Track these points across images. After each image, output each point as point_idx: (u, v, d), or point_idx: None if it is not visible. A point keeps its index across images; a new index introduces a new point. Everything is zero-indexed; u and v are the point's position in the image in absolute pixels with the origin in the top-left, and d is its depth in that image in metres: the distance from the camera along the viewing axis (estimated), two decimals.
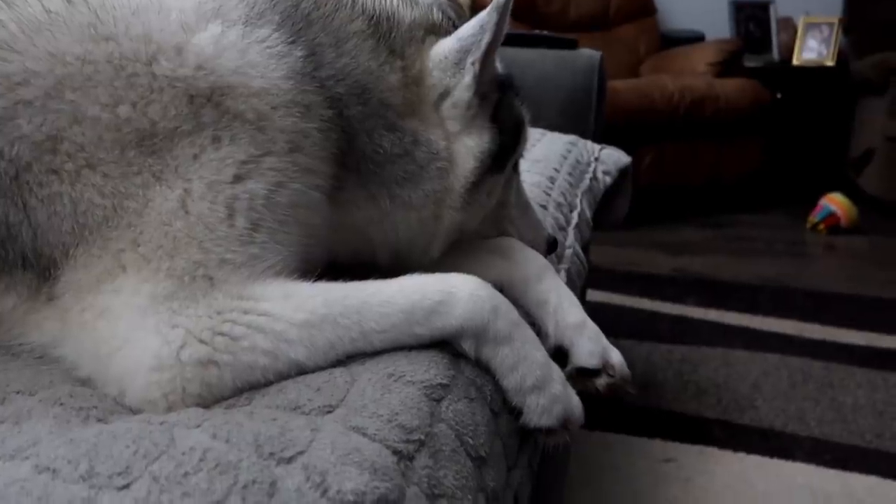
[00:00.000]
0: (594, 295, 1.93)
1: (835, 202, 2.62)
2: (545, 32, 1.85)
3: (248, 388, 0.42)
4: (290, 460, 0.32)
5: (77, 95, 0.44)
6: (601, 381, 0.65)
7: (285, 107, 0.48)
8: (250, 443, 0.32)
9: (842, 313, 1.86)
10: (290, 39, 0.50)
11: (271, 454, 0.32)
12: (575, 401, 0.55)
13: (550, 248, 0.73)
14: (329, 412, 0.38)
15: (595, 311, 1.97)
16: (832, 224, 2.61)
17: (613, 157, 1.33)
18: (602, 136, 1.52)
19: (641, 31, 3.51)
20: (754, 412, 1.38)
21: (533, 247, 0.69)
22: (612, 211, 1.34)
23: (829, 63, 3.39)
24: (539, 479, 0.64)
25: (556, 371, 0.54)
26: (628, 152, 2.86)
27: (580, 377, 0.63)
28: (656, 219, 2.74)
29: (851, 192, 2.79)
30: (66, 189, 0.44)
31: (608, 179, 1.27)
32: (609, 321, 1.77)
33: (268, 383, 0.42)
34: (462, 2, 0.69)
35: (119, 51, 0.45)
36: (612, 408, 1.37)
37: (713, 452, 1.26)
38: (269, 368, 0.42)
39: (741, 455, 1.25)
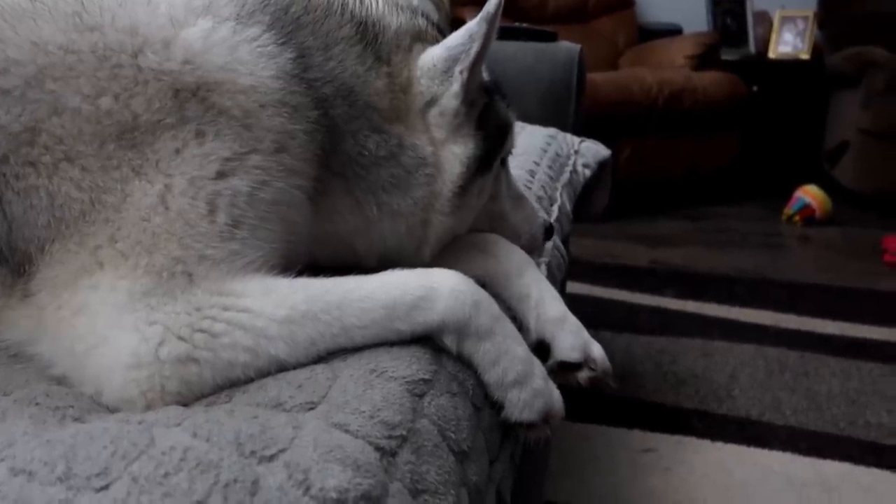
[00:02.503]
0: (574, 287, 1.94)
1: (810, 194, 2.66)
2: (525, 25, 1.85)
3: (229, 385, 0.41)
4: (271, 458, 0.32)
5: (58, 86, 0.43)
6: (583, 375, 0.66)
7: (273, 106, 0.48)
8: (231, 441, 0.32)
9: (817, 303, 1.89)
10: (280, 40, 0.50)
11: (253, 452, 0.32)
12: (556, 395, 0.55)
13: (547, 233, 0.74)
14: (311, 409, 0.38)
15: (575, 304, 1.98)
16: (807, 216, 2.65)
17: (593, 150, 1.33)
18: (582, 129, 1.53)
19: (620, 23, 3.52)
20: (732, 402, 1.40)
21: (530, 236, 0.70)
22: (591, 204, 1.34)
23: (805, 56, 3.43)
24: (521, 471, 0.65)
25: (537, 366, 0.54)
26: (608, 145, 2.87)
27: (562, 371, 0.64)
28: (635, 211, 2.76)
29: (826, 184, 2.83)
30: (42, 182, 0.43)
31: (588, 172, 1.27)
32: (589, 313, 1.78)
33: (248, 380, 0.42)
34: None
35: (104, 41, 0.44)
36: (593, 399, 1.38)
37: (692, 442, 1.27)
38: (250, 365, 0.42)
39: (719, 444, 1.27)
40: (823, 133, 3.27)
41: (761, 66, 3.42)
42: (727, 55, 3.37)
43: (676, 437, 1.28)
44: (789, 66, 3.43)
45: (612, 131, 2.66)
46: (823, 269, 2.20)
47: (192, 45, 0.46)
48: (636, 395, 1.43)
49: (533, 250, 0.72)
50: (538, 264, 0.77)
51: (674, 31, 3.56)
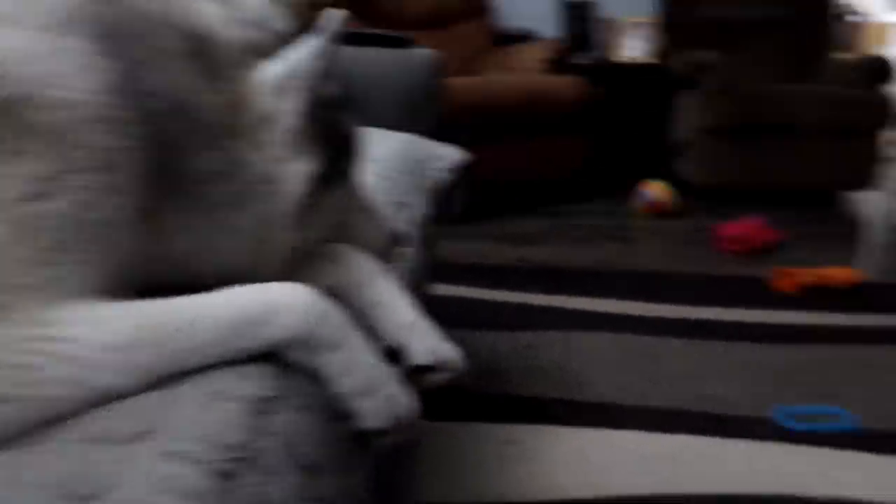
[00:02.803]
0: (443, 289, 1.98)
1: (656, 189, 2.88)
2: (379, 31, 1.87)
3: (50, 422, 0.39)
4: (97, 498, 0.31)
5: None
6: (437, 377, 0.67)
7: (96, 122, 0.45)
8: (50, 485, 0.30)
9: (661, 290, 2.06)
10: (106, 52, 0.47)
11: (74, 496, 0.30)
12: (407, 401, 0.57)
13: (399, 241, 0.75)
14: (143, 439, 0.37)
15: (443, 305, 2.02)
16: (652, 209, 2.86)
17: (450, 155, 1.37)
18: (442, 134, 1.57)
19: (476, 29, 3.63)
20: (590, 388, 1.49)
21: (381, 245, 0.71)
22: (450, 207, 1.39)
23: (648, 60, 3.70)
24: (387, 477, 0.66)
25: (388, 373, 0.55)
26: (470, 149, 2.94)
27: (416, 375, 0.65)
28: (500, 212, 2.87)
29: (670, 179, 3.07)
30: None
31: (447, 176, 1.31)
32: (457, 313, 1.85)
33: (74, 415, 0.40)
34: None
35: None
36: (459, 398, 1.43)
37: (554, 430, 1.34)
38: (75, 399, 0.39)
39: (579, 430, 1.34)
40: (667, 132, 3.54)
41: (610, 70, 3.65)
42: (577, 59, 3.57)
43: (539, 427, 1.35)
44: (635, 69, 3.68)
45: (474, 135, 2.75)
46: (667, 258, 2.39)
47: None
48: (502, 390, 1.48)
49: (385, 258, 0.73)
50: (392, 271, 0.79)
51: (528, 37, 3.72)
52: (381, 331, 0.64)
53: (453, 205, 1.44)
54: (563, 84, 3.02)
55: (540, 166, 2.99)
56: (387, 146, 1.20)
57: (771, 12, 3.57)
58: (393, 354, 0.65)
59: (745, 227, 2.42)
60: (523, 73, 3.12)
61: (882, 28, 6.49)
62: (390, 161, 1.12)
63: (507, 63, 3.35)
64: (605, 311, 1.90)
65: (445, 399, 1.40)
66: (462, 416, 1.37)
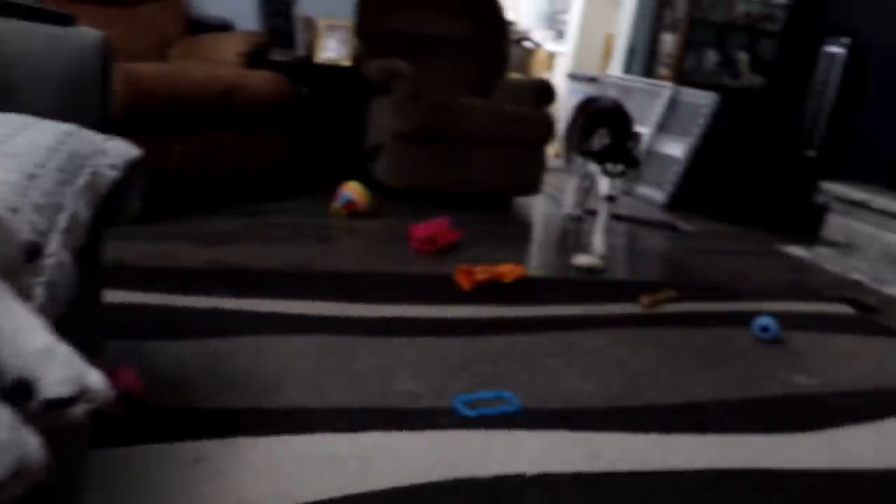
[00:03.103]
0: (119, 296, 1.79)
1: (352, 189, 2.95)
2: (35, 3, 1.61)
3: None
4: None
5: None
6: (78, 409, 0.58)
7: None
8: None
9: (359, 289, 2.11)
10: None
11: None
12: (31, 443, 0.48)
13: (30, 255, 0.64)
14: None
15: (120, 315, 1.82)
16: (351, 209, 2.93)
17: (120, 149, 1.22)
18: (117, 125, 1.40)
19: (168, 12, 3.36)
20: (282, 394, 1.46)
21: (6, 259, 0.59)
22: (123, 207, 1.24)
23: (347, 63, 3.78)
24: None
25: (1, 415, 0.46)
26: (157, 141, 2.72)
27: (52, 410, 0.56)
28: (192, 210, 2.68)
29: (367, 181, 3.17)
30: None
31: (114, 173, 1.17)
32: (137, 323, 1.68)
33: None
34: None
35: None
36: (139, 417, 1.29)
37: (244, 442, 1.29)
38: None
39: (270, 438, 1.31)
40: (364, 134, 3.66)
41: (309, 70, 3.65)
42: (277, 56, 3.50)
43: (229, 440, 1.28)
44: (333, 70, 3.73)
45: (162, 126, 2.53)
46: (365, 258, 2.46)
47: None
48: (187, 404, 1.38)
49: (13, 274, 0.62)
50: (33, 285, 0.67)
51: (225, 27, 3.55)
52: (1, 364, 0.54)
53: (129, 203, 1.29)
54: (262, 79, 2.93)
55: (237, 163, 2.87)
56: (31, 138, 1.03)
57: (456, 32, 3.90)
58: (20, 388, 0.55)
59: (432, 227, 2.60)
60: (220, 64, 2.96)
61: (549, 55, 7.53)
62: (34, 156, 0.96)
63: (203, 52, 3.15)
64: (302, 313, 1.88)
65: (121, 420, 1.25)
66: (142, 438, 1.24)
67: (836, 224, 3.85)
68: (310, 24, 3.85)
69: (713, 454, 1.47)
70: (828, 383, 1.91)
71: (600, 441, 1.46)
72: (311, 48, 3.79)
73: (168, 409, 1.35)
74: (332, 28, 3.79)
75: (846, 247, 3.72)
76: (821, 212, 3.95)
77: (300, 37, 3.80)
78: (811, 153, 4.33)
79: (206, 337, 1.65)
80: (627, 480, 1.33)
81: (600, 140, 2.60)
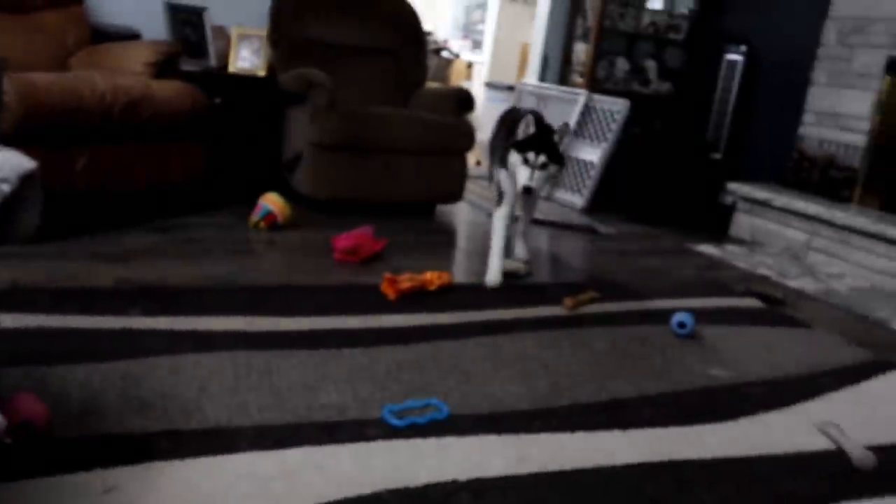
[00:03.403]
0: (20, 320, 1.68)
1: (272, 201, 2.88)
2: None
3: None
4: None
5: None
6: None
7: None
8: None
9: (282, 303, 2.05)
10: None
11: None
12: None
13: None
14: None
15: (18, 339, 1.71)
16: (271, 222, 2.86)
17: (12, 163, 1.15)
18: (14, 138, 1.31)
19: (69, 20, 3.19)
20: (201, 414, 1.40)
21: None
22: (17, 224, 1.17)
23: (261, 73, 3.70)
24: None
25: None
26: (58, 154, 2.57)
27: None
28: (96, 227, 2.55)
29: (287, 192, 3.10)
30: None
31: (6, 188, 1.10)
32: (38, 347, 1.57)
33: None
34: None
35: None
36: (43, 448, 1.21)
37: (160, 467, 1.22)
38: None
39: (188, 461, 1.24)
40: (282, 145, 3.58)
41: (222, 80, 3.55)
42: (188, 66, 3.39)
43: (143, 466, 1.21)
44: (248, 80, 3.64)
45: (63, 139, 2.40)
46: (287, 271, 2.40)
47: None
48: (97, 431, 1.30)
49: None
50: None
51: (131, 36, 3.41)
52: None
53: (25, 223, 1.21)
54: (172, 90, 2.82)
55: (149, 177, 2.75)
56: None
57: (373, 41, 3.88)
58: None
59: (355, 237, 2.56)
60: (126, 74, 2.84)
61: (466, 65, 7.62)
62: None
63: (107, 62, 3.01)
64: (220, 330, 1.81)
65: (22, 451, 1.17)
66: (46, 470, 1.16)
67: (743, 222, 4.04)
68: (222, 34, 3.75)
69: (638, 449, 1.50)
70: (741, 374, 1.99)
71: (529, 443, 1.47)
72: (224, 58, 3.69)
73: (75, 437, 1.27)
74: (245, 37, 3.70)
75: (752, 244, 3.92)
76: (728, 211, 4.15)
77: (212, 46, 3.70)
78: (717, 156, 4.54)
79: (116, 359, 1.57)
80: (557, 480, 1.34)
81: (525, 128, 2.35)
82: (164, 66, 2.95)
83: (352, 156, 3.22)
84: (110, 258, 2.28)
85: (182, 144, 2.88)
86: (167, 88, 2.79)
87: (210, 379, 1.55)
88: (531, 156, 2.31)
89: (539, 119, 2.46)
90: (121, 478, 1.18)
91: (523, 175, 2.33)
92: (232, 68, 3.66)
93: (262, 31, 3.69)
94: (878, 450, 1.61)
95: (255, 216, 2.86)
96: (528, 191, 2.34)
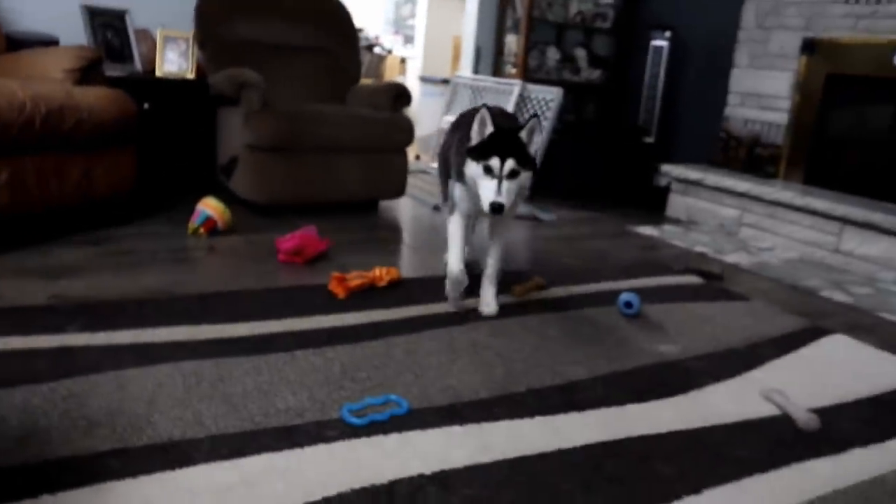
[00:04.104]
0: None
1: (210, 206, 2.80)
2: None
3: None
4: None
5: None
6: None
7: None
8: None
9: (227, 310, 2.00)
10: None
11: None
12: None
13: None
14: None
15: None
16: (211, 227, 2.78)
17: None
18: None
19: None
20: (152, 429, 1.35)
21: None
22: None
23: (190, 76, 3.59)
24: None
25: None
26: None
27: None
28: (24, 242, 2.43)
29: (225, 196, 3.03)
30: None
31: None
32: None
33: None
34: None
35: None
36: None
37: (112, 487, 1.17)
38: None
39: (142, 479, 1.20)
40: (217, 148, 3.49)
41: (150, 84, 3.44)
42: (112, 71, 3.27)
43: (94, 488, 1.16)
44: (177, 84, 3.53)
45: None
46: (231, 276, 2.34)
47: None
48: (41, 456, 1.24)
49: None
50: None
51: (49, 42, 3.26)
52: None
53: None
54: (97, 97, 2.71)
55: (79, 187, 2.63)
56: None
57: (305, 39, 3.82)
58: None
59: (299, 238, 2.52)
60: (45, 82, 2.71)
61: (400, 60, 7.59)
62: None
63: (24, 69, 2.86)
64: (167, 341, 1.76)
65: None
66: None
67: (678, 203, 4.16)
68: (146, 37, 3.63)
69: (595, 429, 1.52)
70: (687, 349, 2.05)
71: (490, 431, 1.47)
72: (150, 62, 3.57)
73: (18, 464, 1.21)
74: (171, 39, 3.59)
75: (688, 222, 4.04)
76: (663, 193, 4.26)
77: (136, 50, 3.57)
78: (649, 139, 4.66)
79: (56, 379, 1.50)
80: (520, 466, 1.35)
81: (480, 128, 1.89)
82: (87, 73, 2.83)
83: (290, 156, 3.16)
84: (42, 274, 2.18)
85: (111, 153, 2.77)
86: (91, 95, 2.68)
87: (158, 392, 1.49)
88: (495, 163, 1.83)
89: (500, 114, 2.09)
90: (70, 503, 1.12)
91: (488, 190, 1.84)
92: (159, 72, 3.55)
93: (189, 32, 3.59)
94: (820, 412, 1.69)
95: (194, 222, 2.77)
96: (496, 209, 1.82)
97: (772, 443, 1.54)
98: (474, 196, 1.98)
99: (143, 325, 1.83)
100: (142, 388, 1.50)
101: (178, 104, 3.44)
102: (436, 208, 3.74)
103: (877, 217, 3.08)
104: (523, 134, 1.90)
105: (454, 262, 2.11)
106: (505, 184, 1.84)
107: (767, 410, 1.70)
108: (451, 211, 2.17)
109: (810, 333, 2.27)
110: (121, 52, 3.53)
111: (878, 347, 2.20)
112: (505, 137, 1.87)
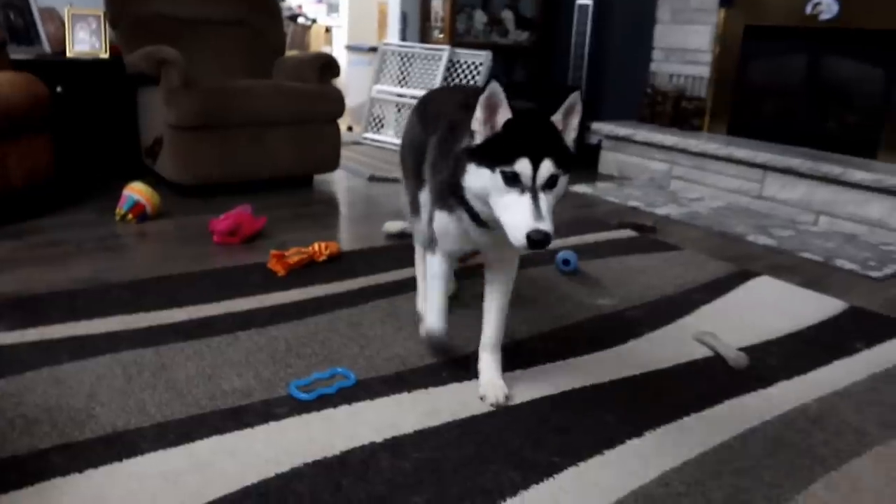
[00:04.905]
0: None
1: (137, 191, 2.71)
2: None
3: None
4: None
5: None
6: None
7: None
8: None
9: (163, 295, 1.95)
10: None
11: None
12: None
13: None
14: None
15: None
16: (139, 213, 2.69)
17: None
18: None
19: None
20: (94, 422, 1.32)
21: None
22: None
23: (104, 56, 3.43)
24: None
25: None
26: None
27: None
28: None
29: (152, 179, 2.93)
30: None
31: None
32: None
33: None
34: None
35: None
36: None
37: (56, 484, 1.15)
38: None
39: (89, 473, 1.18)
40: (139, 130, 3.37)
41: (62, 66, 3.27)
42: (18, 54, 3.10)
43: (38, 487, 1.13)
44: (90, 65, 3.37)
45: None
46: (164, 261, 2.28)
47: None
48: None
49: None
50: None
51: None
52: None
53: None
54: (5, 81, 2.57)
55: None
56: None
57: (224, 13, 3.69)
58: None
59: (234, 218, 2.47)
60: None
61: (325, 30, 7.42)
62: None
63: None
64: (104, 332, 1.71)
65: None
66: None
67: (609, 159, 4.25)
68: (52, 16, 3.43)
69: (540, 384, 1.57)
70: (625, 300, 2.12)
71: (438, 395, 1.50)
72: (59, 42, 3.39)
73: None
74: (80, 18, 3.41)
75: (620, 178, 4.13)
76: (595, 150, 4.34)
77: (43, 31, 3.38)
78: None
79: None
80: (469, 426, 1.38)
81: (489, 116, 1.27)
82: None
83: (216, 134, 3.07)
84: None
85: (25, 140, 2.64)
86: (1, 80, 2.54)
87: (98, 384, 1.46)
88: (524, 167, 1.20)
89: (515, 90, 1.40)
90: (15, 503, 1.10)
91: (520, 213, 1.18)
92: (70, 53, 3.38)
93: (99, 10, 3.42)
94: (749, 350, 1.78)
95: (122, 208, 2.68)
96: (540, 243, 1.17)
97: (706, 383, 1.62)
98: (469, 228, 1.36)
99: (76, 317, 1.78)
100: (80, 382, 1.46)
101: (94, 86, 3.28)
102: (371, 178, 3.71)
103: (795, 162, 3.22)
104: (557, 118, 1.29)
105: (434, 320, 1.57)
106: (543, 199, 1.19)
107: (701, 353, 1.78)
108: (429, 246, 1.55)
109: (738, 277, 2.38)
110: (26, 34, 3.34)
111: (799, 286, 2.33)
112: (532, 127, 1.26)
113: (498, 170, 1.21)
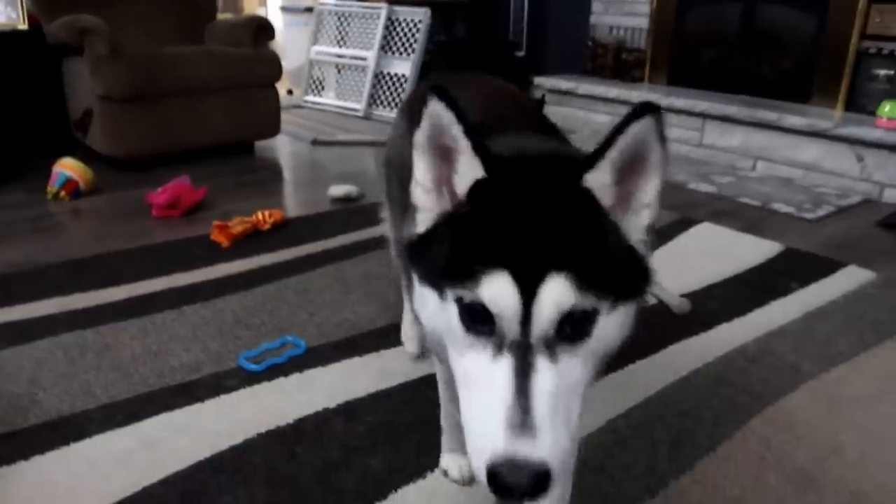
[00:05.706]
0: None
1: (69, 167, 2.60)
2: None
3: None
4: None
5: None
6: None
7: None
8: None
9: (102, 274, 1.90)
10: None
11: None
12: None
13: None
14: None
15: None
16: (72, 189, 2.59)
17: None
18: None
19: None
20: (38, 408, 1.29)
21: None
22: None
23: (23, 26, 3.24)
24: None
25: None
26: None
27: None
28: None
29: (83, 154, 2.81)
30: None
31: None
32: None
33: None
34: None
35: None
36: None
37: (3, 473, 1.12)
38: None
39: (35, 459, 1.15)
40: (66, 103, 3.22)
41: None
42: None
43: None
44: (8, 36, 3.18)
45: None
46: (101, 239, 2.21)
47: None
48: None
49: None
50: None
51: None
52: None
53: None
54: None
55: None
56: None
57: None
58: None
59: (172, 190, 2.40)
60: None
61: None
62: None
63: None
64: (41, 315, 1.66)
65: None
66: None
67: (553, 114, 4.26)
68: None
69: None
70: None
71: (390, 358, 1.51)
72: None
73: None
74: None
75: (565, 132, 4.15)
76: (539, 105, 4.34)
77: None
78: (520, 53, 4.69)
79: None
80: (422, 386, 1.40)
81: (436, 174, 0.64)
82: None
83: (148, 104, 2.96)
84: None
85: None
86: None
87: (39, 369, 1.42)
88: (499, 293, 0.56)
89: (498, 102, 1.10)
90: None
91: (487, 406, 0.55)
92: None
93: None
94: (691, 295, 1.83)
95: (53, 186, 2.57)
96: (512, 491, 0.52)
97: (651, 330, 1.67)
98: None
99: (10, 302, 1.71)
100: (19, 368, 1.42)
101: (14, 59, 3.11)
102: (314, 142, 3.64)
103: (732, 110, 3.28)
104: (599, 176, 0.63)
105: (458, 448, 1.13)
106: (545, 372, 0.56)
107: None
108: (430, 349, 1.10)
109: (681, 225, 2.44)
110: None
111: (739, 230, 2.40)
112: (533, 196, 0.60)
113: (450, 295, 0.59)
